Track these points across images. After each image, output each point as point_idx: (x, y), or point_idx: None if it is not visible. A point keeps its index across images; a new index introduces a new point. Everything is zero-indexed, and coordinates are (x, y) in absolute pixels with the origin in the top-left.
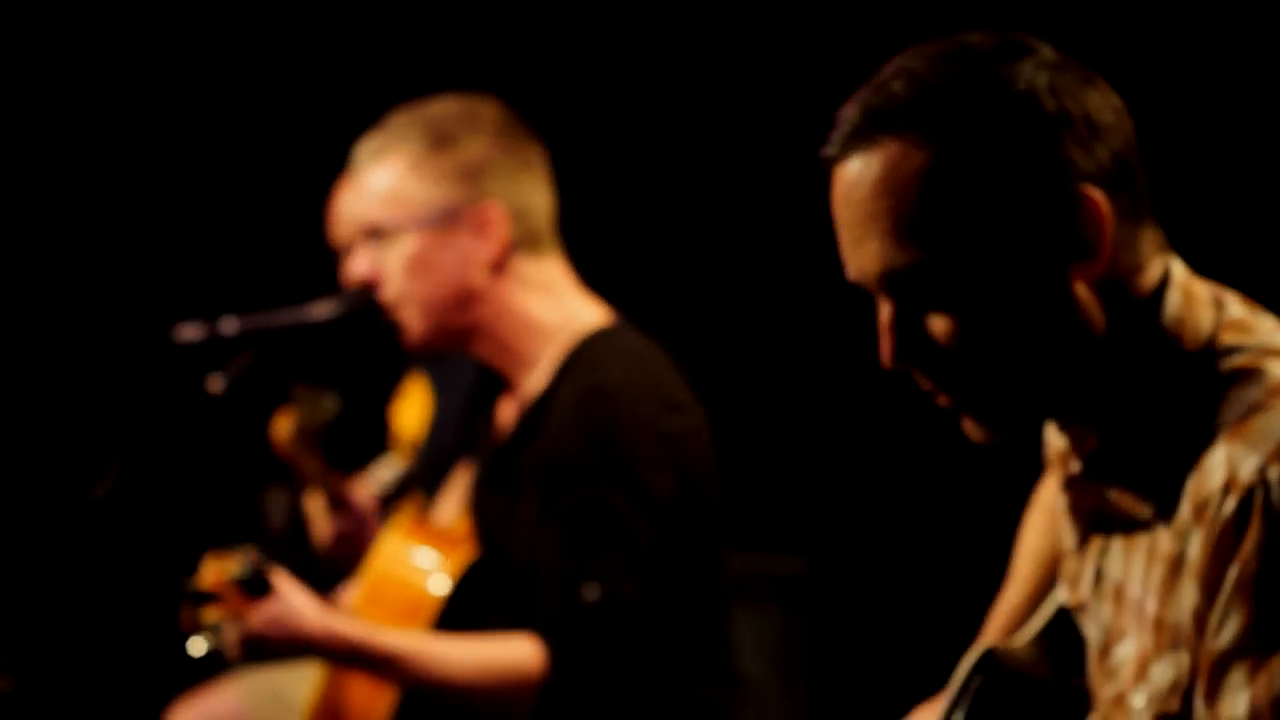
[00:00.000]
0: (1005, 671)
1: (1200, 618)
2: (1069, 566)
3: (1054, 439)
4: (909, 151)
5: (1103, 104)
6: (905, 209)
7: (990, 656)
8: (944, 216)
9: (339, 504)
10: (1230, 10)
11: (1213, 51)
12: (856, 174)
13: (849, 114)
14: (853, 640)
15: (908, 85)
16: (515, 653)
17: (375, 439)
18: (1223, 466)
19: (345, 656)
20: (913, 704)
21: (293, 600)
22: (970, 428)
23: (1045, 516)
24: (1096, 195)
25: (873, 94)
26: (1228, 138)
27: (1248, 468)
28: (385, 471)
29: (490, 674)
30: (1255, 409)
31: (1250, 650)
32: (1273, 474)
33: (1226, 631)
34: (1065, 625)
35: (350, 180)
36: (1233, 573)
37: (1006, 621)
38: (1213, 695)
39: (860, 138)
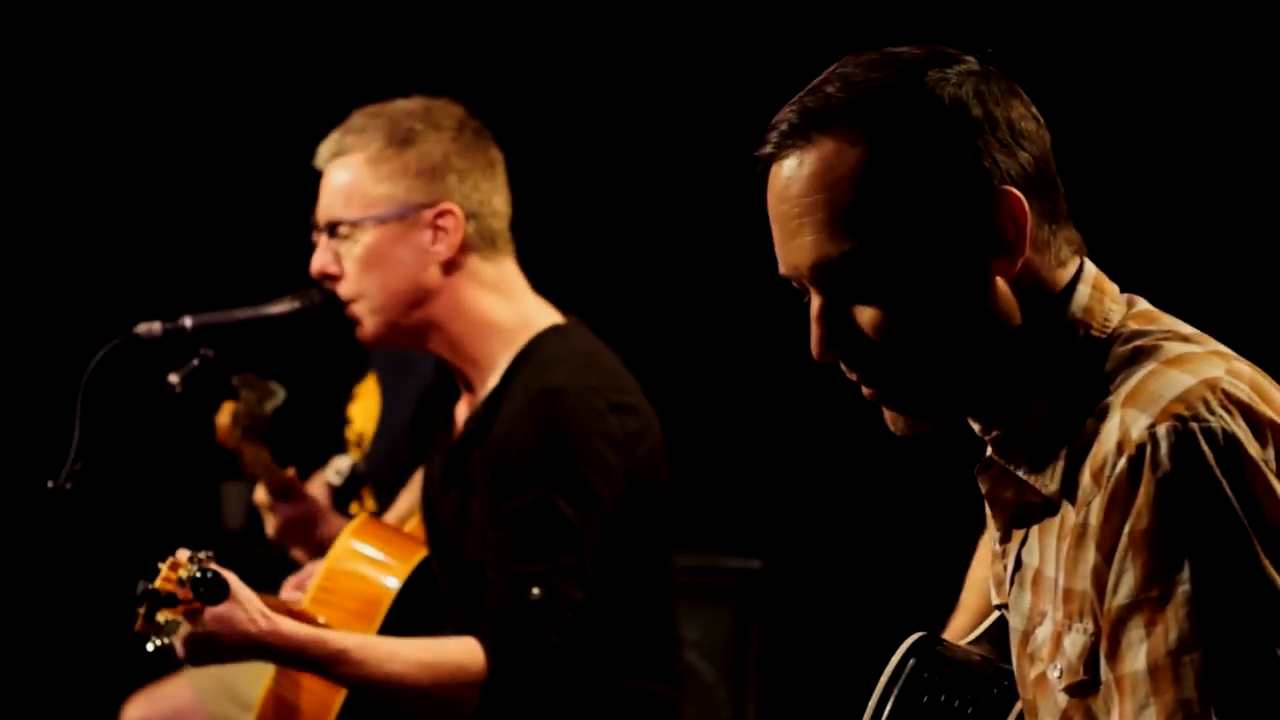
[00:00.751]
0: (938, 656)
1: (1100, 579)
2: (995, 568)
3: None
4: (843, 149)
5: (1024, 113)
6: (838, 202)
7: (924, 642)
8: (875, 210)
9: (285, 495)
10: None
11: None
12: (793, 170)
13: (785, 115)
14: (803, 639)
15: (843, 88)
16: (459, 653)
17: (332, 437)
18: (1116, 430)
19: (291, 657)
20: (860, 699)
21: (245, 603)
22: (891, 418)
23: (989, 549)
24: (1016, 195)
25: (809, 96)
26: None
27: (1139, 427)
28: (340, 465)
29: (434, 674)
30: (1148, 375)
31: (1145, 603)
32: (1161, 430)
33: (1123, 588)
34: (1004, 628)
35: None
36: (1126, 529)
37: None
38: (1113, 652)
39: (797, 136)
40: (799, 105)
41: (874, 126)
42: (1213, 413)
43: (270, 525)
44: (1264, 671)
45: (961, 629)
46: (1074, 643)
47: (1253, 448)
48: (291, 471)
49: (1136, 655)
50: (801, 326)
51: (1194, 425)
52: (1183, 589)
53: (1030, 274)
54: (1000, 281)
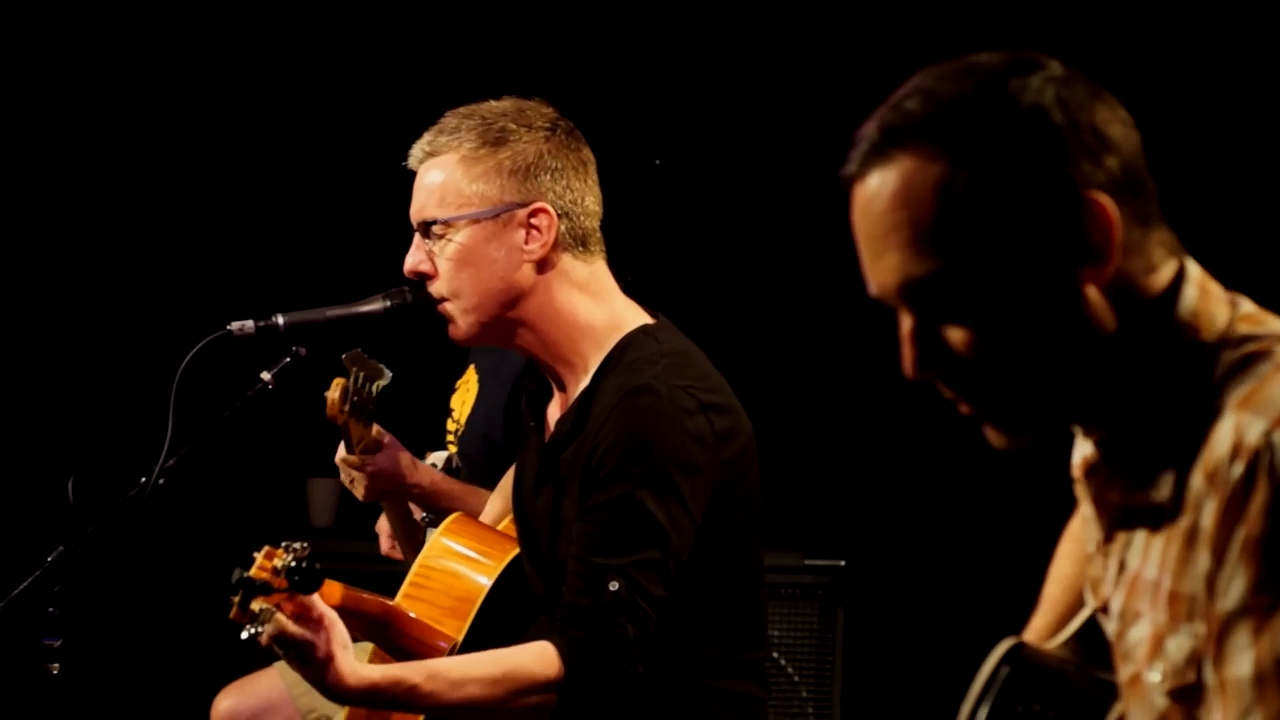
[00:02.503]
0: (1032, 665)
1: (1211, 582)
2: (1093, 569)
3: (1079, 452)
4: (924, 165)
5: (1110, 116)
6: (921, 219)
7: (1018, 650)
8: (958, 225)
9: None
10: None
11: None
12: (875, 189)
13: (866, 132)
14: (887, 640)
15: (922, 103)
16: (533, 663)
17: (434, 430)
18: (1230, 434)
19: (365, 699)
20: (944, 702)
21: (327, 634)
22: (992, 434)
23: (1077, 545)
24: (1103, 201)
25: (889, 112)
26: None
27: (1254, 432)
28: (434, 460)
29: (509, 688)
30: (1264, 380)
31: (1254, 610)
32: (1277, 437)
33: (1233, 593)
34: (1095, 630)
35: None
36: (1239, 534)
37: (1037, 642)
38: (1219, 657)
39: (877, 154)
40: (879, 122)
41: (953, 140)
42: None
43: (360, 488)
44: None
45: (1045, 628)
46: (1180, 646)
47: None
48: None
49: (1243, 661)
50: (886, 330)
51: None
52: None
53: (1124, 280)
54: (1092, 290)
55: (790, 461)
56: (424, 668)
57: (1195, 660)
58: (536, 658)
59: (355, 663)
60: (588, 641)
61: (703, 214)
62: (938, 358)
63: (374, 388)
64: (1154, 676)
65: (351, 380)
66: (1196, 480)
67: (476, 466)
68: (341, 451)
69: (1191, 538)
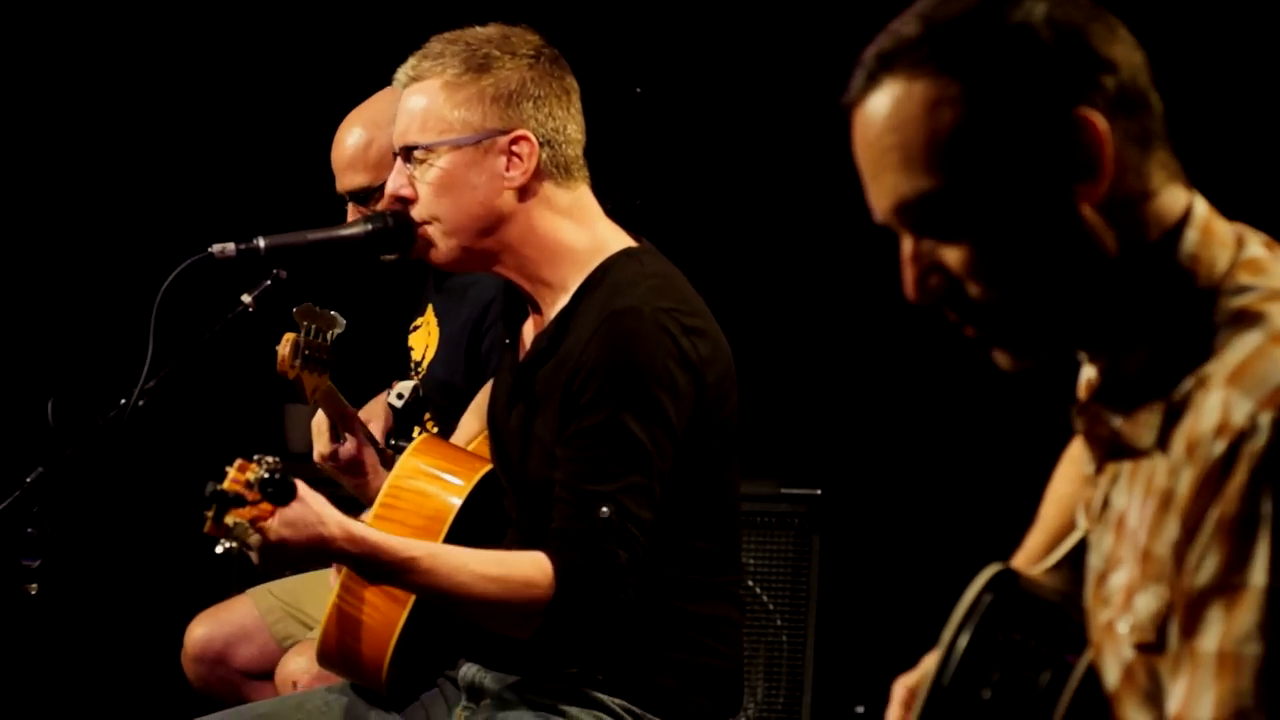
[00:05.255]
0: (1016, 593)
1: (1179, 553)
2: (1085, 493)
3: (1085, 375)
4: (915, 86)
5: (1108, 35)
6: (913, 139)
7: (1002, 577)
8: (949, 144)
9: (345, 427)
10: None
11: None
12: (870, 113)
13: (864, 59)
14: (863, 568)
15: (916, 26)
16: (529, 568)
17: (396, 364)
18: (1217, 409)
19: (363, 560)
20: (920, 631)
21: (313, 504)
22: (999, 356)
23: (1075, 466)
24: (1093, 117)
25: (885, 38)
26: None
27: (1240, 412)
28: (402, 388)
29: (503, 587)
30: (1255, 353)
31: (1227, 588)
32: (1263, 420)
33: (1205, 569)
34: (1084, 554)
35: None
36: (1214, 513)
37: (1028, 563)
38: (1190, 629)
39: (872, 80)
40: (876, 48)
41: (943, 61)
42: None
43: (319, 447)
44: None
45: (1038, 549)
46: (1147, 604)
47: None
48: (354, 413)
49: (1211, 636)
50: (865, 257)
51: None
52: (1263, 581)
53: (1121, 199)
54: (1088, 207)
55: (768, 390)
56: (426, 545)
57: (1157, 620)
58: (534, 566)
59: (349, 523)
60: (584, 565)
61: (684, 142)
62: (937, 279)
63: (328, 337)
64: (1123, 627)
65: (302, 334)
66: (1178, 445)
67: (440, 410)
68: (318, 448)
69: (1167, 502)
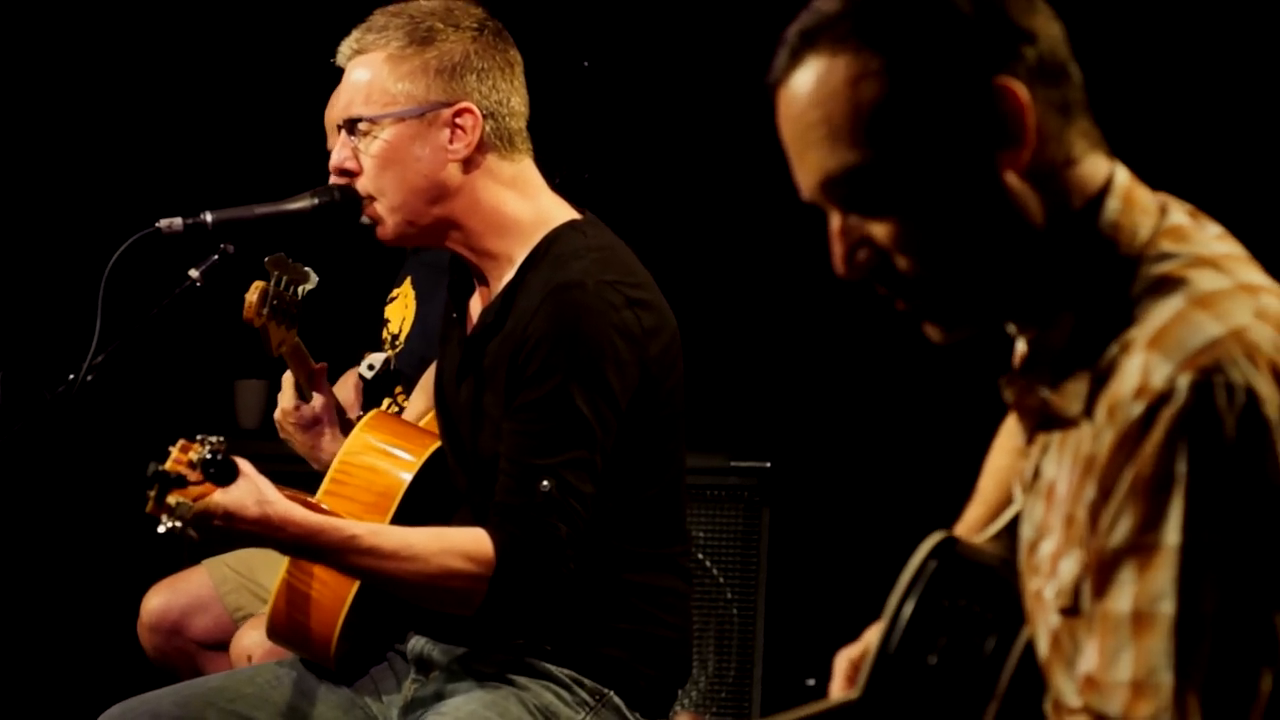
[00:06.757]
0: (960, 559)
1: (1095, 514)
2: (1021, 463)
3: (1018, 347)
4: (836, 62)
5: (1026, 7)
6: (835, 114)
7: (946, 544)
8: (870, 118)
9: (310, 385)
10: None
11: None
12: (793, 91)
13: (786, 37)
14: (812, 541)
15: (836, 2)
16: (469, 544)
17: (368, 336)
18: (1137, 372)
19: (301, 542)
20: (868, 602)
21: (257, 484)
22: (929, 329)
23: (1011, 439)
24: (1014, 86)
25: (806, 15)
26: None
27: (1160, 375)
28: (373, 360)
29: (444, 565)
30: (1175, 318)
31: (1140, 548)
32: (1181, 383)
33: (1119, 530)
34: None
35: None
36: (1129, 473)
37: (968, 535)
38: (1102, 589)
39: (794, 57)
40: (798, 25)
41: (862, 35)
42: (1236, 368)
43: (282, 403)
44: (1234, 634)
45: (978, 520)
46: (1068, 569)
47: (1271, 408)
48: (322, 366)
49: (1123, 597)
50: (811, 231)
51: (1217, 379)
52: (1176, 540)
53: (1044, 167)
54: (1012, 176)
55: (716, 363)
56: (366, 524)
57: (1076, 585)
58: (474, 542)
59: (290, 505)
60: (522, 538)
61: (632, 116)
62: (865, 254)
63: (299, 291)
64: (1049, 593)
65: (272, 283)
66: (1101, 411)
67: (413, 384)
68: (281, 404)
69: (1089, 466)
